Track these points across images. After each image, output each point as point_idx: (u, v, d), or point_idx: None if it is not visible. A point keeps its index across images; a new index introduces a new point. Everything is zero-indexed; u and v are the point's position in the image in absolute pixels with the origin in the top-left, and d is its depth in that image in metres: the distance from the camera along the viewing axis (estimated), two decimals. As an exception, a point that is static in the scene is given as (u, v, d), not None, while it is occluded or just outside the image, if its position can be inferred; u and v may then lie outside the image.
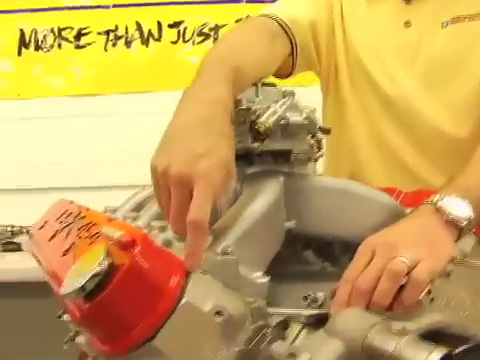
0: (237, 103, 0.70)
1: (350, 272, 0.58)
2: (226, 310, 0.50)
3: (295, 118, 0.68)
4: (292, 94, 0.68)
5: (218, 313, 0.49)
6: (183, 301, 0.48)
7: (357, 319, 0.50)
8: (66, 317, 0.65)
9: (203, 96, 0.62)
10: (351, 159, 0.99)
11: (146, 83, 2.09)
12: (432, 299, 0.57)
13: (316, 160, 0.76)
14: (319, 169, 0.88)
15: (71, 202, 0.86)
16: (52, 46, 2.21)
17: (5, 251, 1.80)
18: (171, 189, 0.55)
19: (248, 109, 0.67)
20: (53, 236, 0.76)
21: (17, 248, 1.81)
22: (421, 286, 0.56)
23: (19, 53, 2.24)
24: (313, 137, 0.73)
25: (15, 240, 1.86)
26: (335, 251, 0.75)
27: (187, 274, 0.50)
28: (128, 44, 2.16)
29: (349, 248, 0.72)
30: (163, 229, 0.68)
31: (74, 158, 2.14)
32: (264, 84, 0.74)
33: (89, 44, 2.19)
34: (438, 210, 0.65)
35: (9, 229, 1.93)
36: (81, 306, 0.48)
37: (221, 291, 0.52)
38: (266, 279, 0.58)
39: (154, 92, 2.05)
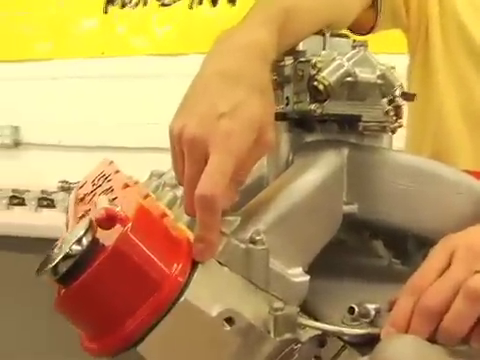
0: (297, 55, 0.57)
1: (416, 280, 0.44)
2: (241, 316, 0.38)
3: (366, 75, 0.53)
4: (364, 45, 0.54)
5: (229, 320, 0.37)
6: (182, 299, 0.36)
7: (415, 351, 0.36)
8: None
9: (237, 41, 0.49)
10: (436, 133, 0.82)
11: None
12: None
13: (393, 131, 0.61)
14: (399, 144, 0.74)
15: (111, 163, 0.77)
16: (137, 4, 2.15)
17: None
18: (185, 156, 0.44)
19: (307, 61, 0.54)
20: (82, 199, 0.67)
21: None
22: None
23: (105, 11, 2.20)
24: (391, 102, 0.59)
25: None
26: (408, 245, 0.61)
27: (195, 264, 0.38)
28: (214, 2, 2.06)
29: (426, 244, 0.58)
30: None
31: (154, 118, 2.08)
32: (334, 35, 0.60)
33: (174, 2, 2.10)
34: None
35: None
36: (59, 290, 0.38)
37: (238, 290, 0.40)
38: (306, 278, 0.45)
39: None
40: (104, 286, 0.36)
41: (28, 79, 2.25)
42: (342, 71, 0.53)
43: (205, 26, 2.06)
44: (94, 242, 0.37)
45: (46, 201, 1.72)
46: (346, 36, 0.61)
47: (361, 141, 0.58)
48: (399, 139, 0.77)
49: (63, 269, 0.36)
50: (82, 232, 0.37)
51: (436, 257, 0.45)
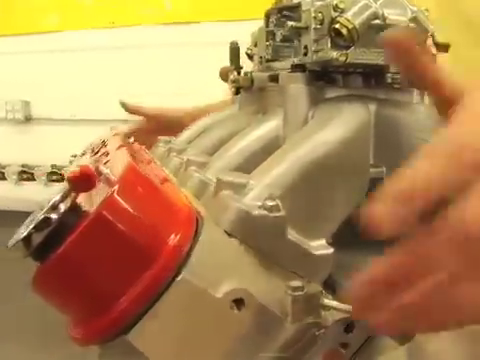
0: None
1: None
2: (252, 298, 0.31)
3: (395, 17, 0.46)
4: (395, -18, 0.47)
5: (238, 302, 0.31)
6: (180, 276, 0.30)
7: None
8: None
9: None
10: None
11: (242, 10, 1.90)
12: None
13: (427, 87, 0.54)
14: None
15: (112, 127, 0.71)
16: (145, -29, 2.08)
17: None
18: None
19: (328, 4, 0.47)
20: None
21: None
22: None
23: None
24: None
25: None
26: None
27: (197, 234, 0.32)
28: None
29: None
30: (202, 166, 0.50)
31: (169, 88, 2.02)
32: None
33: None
34: None
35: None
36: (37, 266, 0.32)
37: (250, 267, 0.33)
38: (329, 251, 0.38)
39: (253, 20, 1.85)
40: (87, 260, 0.30)
41: (37, 52, 2.20)
42: (369, 13, 0.45)
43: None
44: (74, 208, 0.31)
45: (56, 176, 1.68)
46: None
47: (390, 96, 0.51)
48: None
49: (37, 241, 0.30)
50: (59, 197, 0.30)
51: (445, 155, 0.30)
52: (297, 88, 0.49)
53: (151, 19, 2.08)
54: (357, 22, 0.45)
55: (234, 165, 0.51)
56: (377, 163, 0.48)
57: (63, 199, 0.30)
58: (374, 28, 0.46)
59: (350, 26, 0.45)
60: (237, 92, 0.61)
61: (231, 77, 0.61)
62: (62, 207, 0.30)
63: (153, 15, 2.08)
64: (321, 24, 0.48)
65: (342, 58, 0.46)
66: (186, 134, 0.72)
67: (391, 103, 0.50)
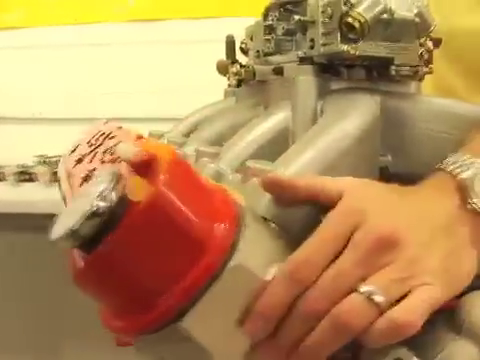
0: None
1: (296, 267, 0.34)
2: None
3: (403, 13, 0.48)
4: (401, -22, 0.48)
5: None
6: (232, 263, 0.31)
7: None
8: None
9: None
10: None
11: (210, 8, 1.90)
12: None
13: (421, 79, 0.56)
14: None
15: (106, 122, 0.71)
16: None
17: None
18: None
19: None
20: (80, 160, 0.61)
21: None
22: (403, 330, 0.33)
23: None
24: (422, 45, 0.54)
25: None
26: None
27: (240, 221, 0.33)
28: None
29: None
30: (214, 157, 0.51)
31: (135, 86, 2.00)
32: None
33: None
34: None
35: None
36: (79, 259, 0.32)
37: (289, 249, 0.34)
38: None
39: (218, 17, 1.86)
40: (138, 249, 0.30)
41: (-1, 49, 2.15)
42: (379, 8, 0.47)
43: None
44: (123, 197, 0.31)
45: (25, 175, 1.65)
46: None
47: (391, 88, 0.53)
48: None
49: (86, 231, 0.30)
50: (108, 185, 0.30)
51: (331, 229, 0.34)
52: (306, 80, 0.51)
53: (116, 16, 2.06)
54: (369, 16, 0.46)
55: (245, 156, 0.52)
56: (383, 152, 0.50)
57: (113, 187, 0.30)
58: (381, 22, 0.48)
59: (362, 20, 0.46)
60: (238, 85, 0.62)
61: (233, 69, 0.62)
62: (113, 195, 0.30)
63: (118, 12, 2.05)
64: (330, 18, 0.49)
65: (353, 51, 0.47)
66: (180, 128, 0.73)
67: (394, 95, 0.52)
